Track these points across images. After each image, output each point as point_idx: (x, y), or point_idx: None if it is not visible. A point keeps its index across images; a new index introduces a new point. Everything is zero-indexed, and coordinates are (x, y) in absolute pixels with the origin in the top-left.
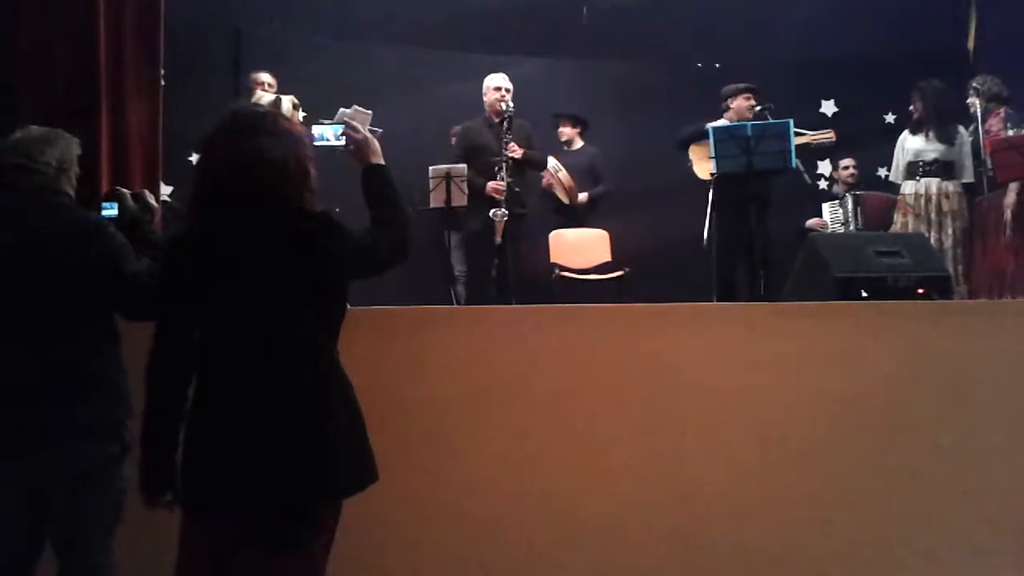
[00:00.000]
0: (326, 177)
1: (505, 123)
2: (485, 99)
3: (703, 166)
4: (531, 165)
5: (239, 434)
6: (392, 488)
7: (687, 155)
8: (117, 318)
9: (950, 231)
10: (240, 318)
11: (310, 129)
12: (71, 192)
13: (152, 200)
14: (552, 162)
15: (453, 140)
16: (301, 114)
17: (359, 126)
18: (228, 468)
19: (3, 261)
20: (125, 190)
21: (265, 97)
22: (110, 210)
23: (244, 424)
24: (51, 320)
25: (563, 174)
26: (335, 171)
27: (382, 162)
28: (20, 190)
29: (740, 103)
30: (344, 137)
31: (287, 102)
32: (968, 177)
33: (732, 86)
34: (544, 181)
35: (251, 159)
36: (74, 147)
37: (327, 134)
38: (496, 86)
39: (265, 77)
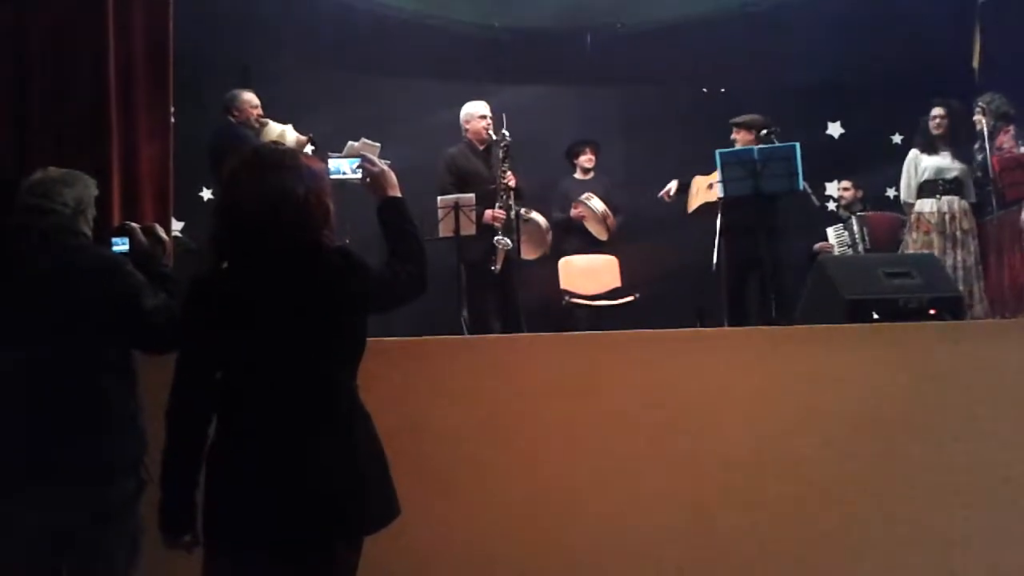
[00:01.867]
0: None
1: (502, 152)
2: (468, 127)
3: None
4: (520, 196)
5: (263, 474)
6: (410, 519)
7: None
8: (134, 354)
9: (972, 248)
10: (262, 356)
11: (325, 162)
12: (88, 232)
13: (163, 233)
14: (600, 207)
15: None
16: (310, 147)
17: (375, 159)
18: (253, 508)
19: (22, 300)
20: (135, 224)
21: (289, 133)
22: (121, 246)
23: (268, 464)
24: (70, 357)
25: (611, 221)
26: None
27: (399, 195)
28: (38, 230)
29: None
30: (361, 170)
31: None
32: (973, 197)
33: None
34: (575, 212)
35: (273, 196)
36: (92, 188)
37: (343, 167)
38: (481, 114)
39: (256, 100)
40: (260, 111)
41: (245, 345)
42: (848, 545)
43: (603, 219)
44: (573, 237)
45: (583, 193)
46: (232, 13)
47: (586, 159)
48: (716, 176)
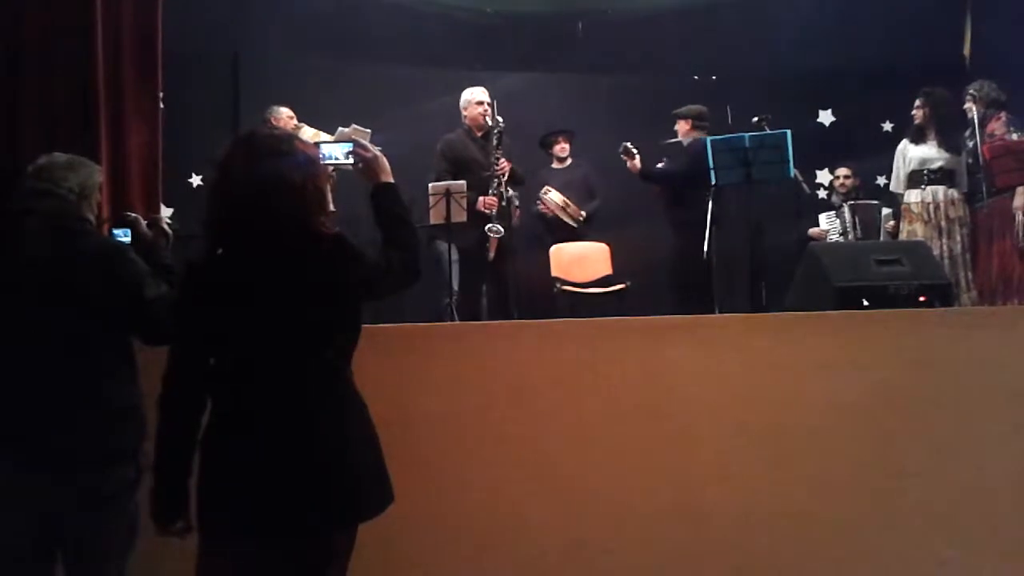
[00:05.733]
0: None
1: (495, 138)
2: (466, 113)
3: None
4: (514, 181)
5: (258, 460)
6: (400, 507)
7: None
8: (134, 342)
9: (958, 237)
10: (256, 343)
11: (318, 148)
12: (92, 218)
13: (166, 225)
14: (558, 198)
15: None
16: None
17: (368, 144)
18: (249, 496)
19: (26, 285)
20: (138, 216)
21: (323, 137)
22: (123, 237)
23: (262, 450)
24: (72, 343)
25: (572, 208)
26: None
27: (392, 181)
28: (42, 215)
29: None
30: (353, 155)
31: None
32: (965, 186)
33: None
34: (542, 208)
35: (269, 182)
36: (96, 174)
37: (335, 153)
38: (479, 100)
39: (291, 112)
40: (296, 122)
41: (239, 332)
42: (838, 531)
43: (563, 208)
44: (551, 229)
45: (559, 182)
46: (221, 0)
47: (559, 148)
48: None
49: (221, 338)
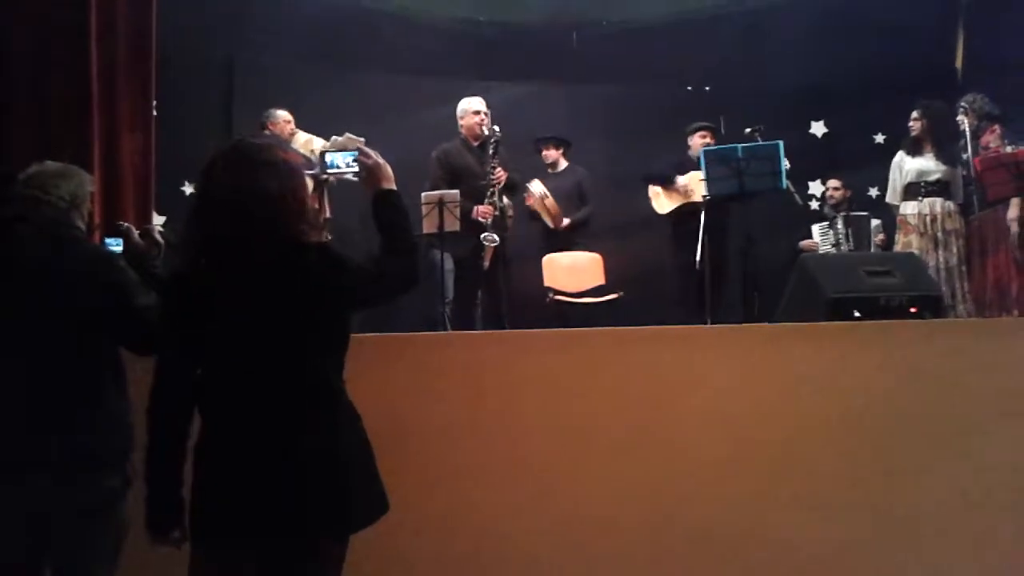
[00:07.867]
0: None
1: (492, 147)
2: (462, 122)
3: (659, 202)
4: (511, 189)
5: (251, 470)
6: (393, 517)
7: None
8: (122, 351)
9: (954, 249)
10: (243, 353)
11: (322, 156)
12: (82, 227)
13: (158, 235)
14: (539, 188)
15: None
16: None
17: (371, 152)
18: (241, 504)
19: (16, 292)
20: (130, 225)
21: (316, 142)
22: (115, 246)
23: (255, 460)
24: (60, 351)
25: (549, 200)
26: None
27: (394, 187)
28: (33, 222)
29: (696, 140)
30: (356, 163)
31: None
32: (960, 198)
33: (693, 124)
34: (528, 200)
35: (248, 192)
36: (87, 184)
37: (339, 161)
38: (475, 109)
39: (289, 116)
40: (293, 125)
41: (224, 342)
42: (831, 542)
43: (542, 200)
44: (545, 237)
45: (549, 188)
46: (216, 8)
47: (545, 155)
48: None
49: (206, 348)
